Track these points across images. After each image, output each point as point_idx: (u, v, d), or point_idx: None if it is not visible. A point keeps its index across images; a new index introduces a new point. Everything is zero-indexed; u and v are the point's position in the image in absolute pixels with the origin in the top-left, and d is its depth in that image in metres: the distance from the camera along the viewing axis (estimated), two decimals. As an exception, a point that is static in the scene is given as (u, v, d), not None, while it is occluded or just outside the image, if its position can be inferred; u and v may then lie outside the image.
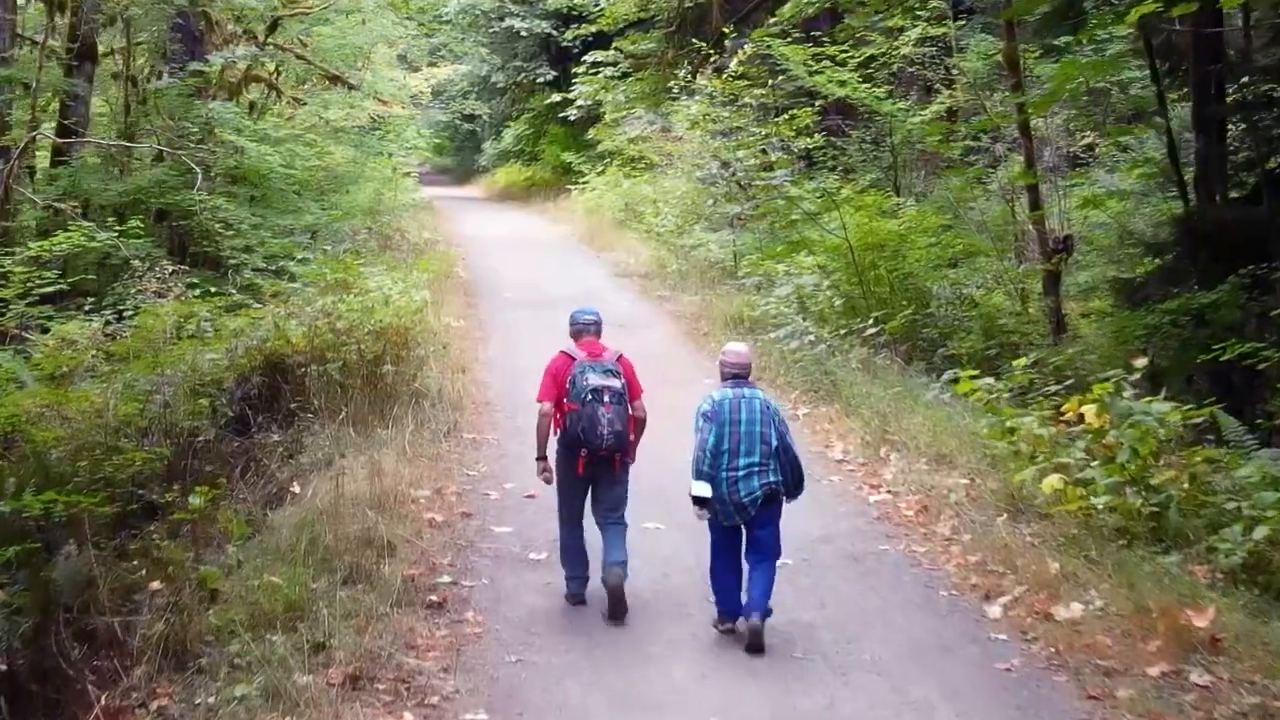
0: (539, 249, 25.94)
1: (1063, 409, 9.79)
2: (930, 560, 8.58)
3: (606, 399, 7.41)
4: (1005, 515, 9.09)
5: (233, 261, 15.93)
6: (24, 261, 12.98)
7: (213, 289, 13.21)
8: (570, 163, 34.05)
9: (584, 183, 31.03)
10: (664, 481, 9.22)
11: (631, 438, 7.75)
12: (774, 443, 7.25)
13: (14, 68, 17.28)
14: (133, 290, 13.87)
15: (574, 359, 7.65)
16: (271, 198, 19.59)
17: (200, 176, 15.63)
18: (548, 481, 7.95)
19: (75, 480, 10.19)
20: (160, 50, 19.14)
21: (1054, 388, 11.20)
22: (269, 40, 21.11)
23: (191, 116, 17.50)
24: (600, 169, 30.70)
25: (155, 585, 7.76)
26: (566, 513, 7.87)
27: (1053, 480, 8.91)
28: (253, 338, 11.94)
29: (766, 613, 7.22)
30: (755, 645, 7.13)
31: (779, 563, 7.68)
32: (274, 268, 15.18)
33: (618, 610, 7.55)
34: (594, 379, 7.45)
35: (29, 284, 12.52)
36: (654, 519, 9.20)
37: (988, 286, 16.11)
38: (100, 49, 20.03)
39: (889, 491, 10.05)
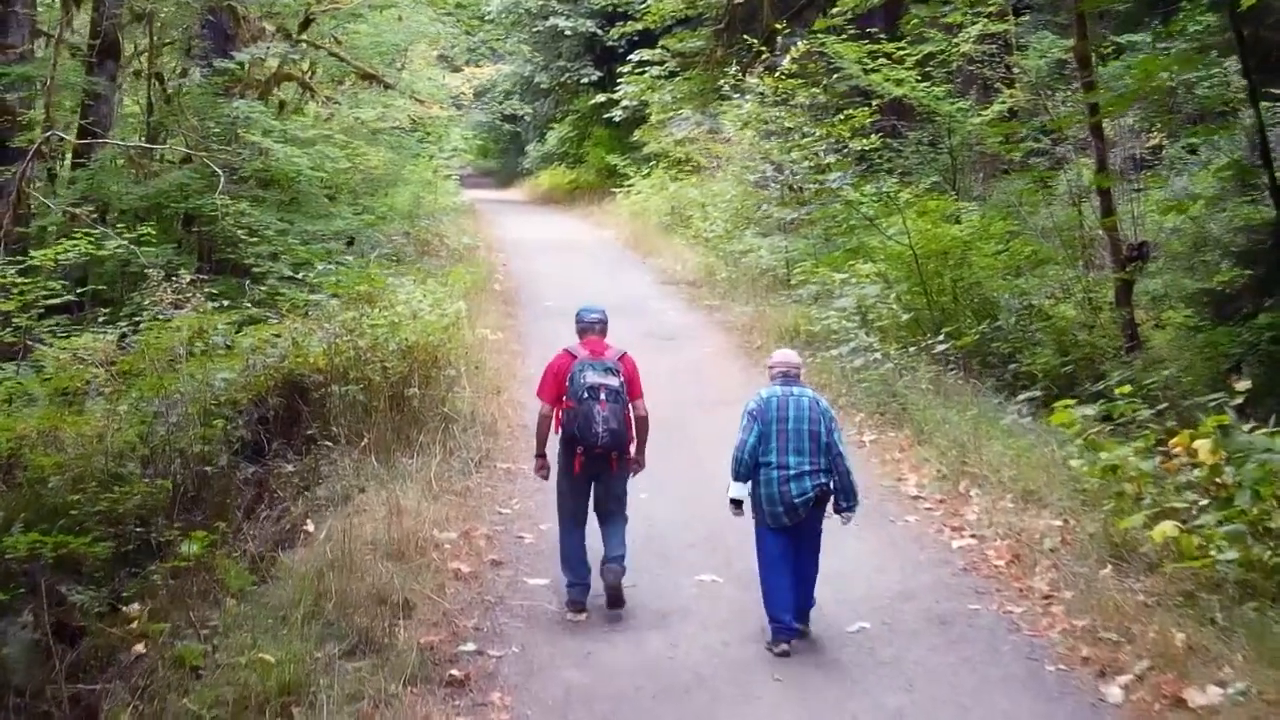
0: (582, 254, 24.90)
1: (1169, 443, 8.65)
2: (1030, 624, 7.41)
3: (603, 396, 7.37)
4: (1109, 566, 7.93)
5: (257, 270, 14.95)
6: (27, 271, 12.03)
7: (225, 301, 12.18)
8: (615, 165, 33.07)
9: (629, 186, 30.12)
10: (720, 527, 8.16)
11: (633, 438, 7.69)
12: (823, 440, 7.08)
13: (32, 65, 16.44)
14: (146, 301, 12.90)
15: (575, 357, 7.64)
16: (303, 202, 18.69)
17: (223, 179, 14.64)
18: (544, 478, 7.97)
19: (72, 513, 9.30)
20: (186, 47, 18.23)
21: (1146, 412, 10.01)
22: (301, 37, 20.18)
23: (216, 116, 16.56)
24: (646, 171, 29.77)
25: (139, 649, 6.78)
26: (566, 514, 7.80)
27: (1165, 528, 7.72)
28: (270, 355, 10.94)
29: (809, 603, 7.24)
30: (801, 636, 7.15)
31: (857, 626, 7.25)
32: (301, 276, 14.16)
33: (615, 602, 7.56)
34: (591, 377, 7.44)
35: (27, 295, 11.53)
36: (710, 569, 8.16)
37: (1056, 296, 14.88)
38: (128, 47, 19.26)
39: (973, 535, 8.90)
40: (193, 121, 16.66)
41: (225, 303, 13.15)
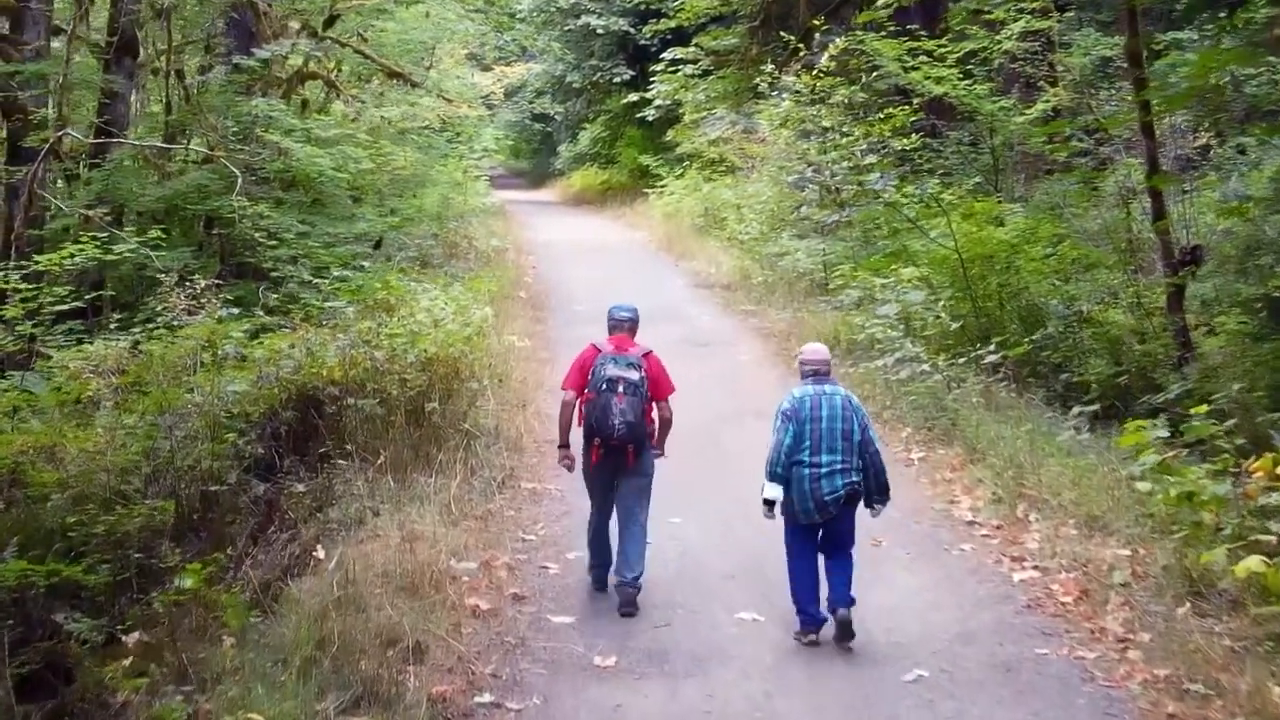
0: (614, 257, 24.26)
1: (1246, 465, 7.96)
2: (1105, 672, 6.69)
3: (621, 389, 7.49)
4: (1187, 605, 7.22)
5: (275, 274, 14.38)
6: (34, 276, 11.49)
7: (240, 309, 11.60)
8: (648, 166, 32.53)
9: (661, 187, 29.60)
10: (761, 556, 7.56)
11: (653, 432, 7.79)
12: (856, 438, 7.11)
13: (47, 63, 15.94)
14: (158, 308, 12.36)
15: (600, 351, 7.78)
16: (327, 204, 18.14)
17: (240, 180, 14.07)
18: (568, 469, 8.10)
19: (70, 535, 8.74)
20: (206, 45, 17.72)
21: (1215, 428, 9.29)
22: (327, 35, 19.61)
23: (236, 115, 16.00)
24: (679, 172, 29.29)
25: (123, 697, 6.19)
26: (593, 502, 7.96)
27: (1250, 563, 7.03)
28: (283, 366, 10.34)
29: (850, 601, 7.06)
30: (846, 634, 7.02)
31: (914, 675, 6.64)
32: (318, 282, 13.54)
33: (629, 611, 7.56)
34: (611, 370, 7.57)
35: (33, 301, 10.98)
36: (751, 606, 7.50)
37: (1106, 302, 14.10)
38: (150, 45, 18.76)
39: (1036, 567, 8.18)
40: (212, 121, 16.10)
41: (240, 310, 12.66)
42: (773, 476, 7.09)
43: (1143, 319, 13.13)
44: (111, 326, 13.04)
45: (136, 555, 8.52)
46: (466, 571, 7.67)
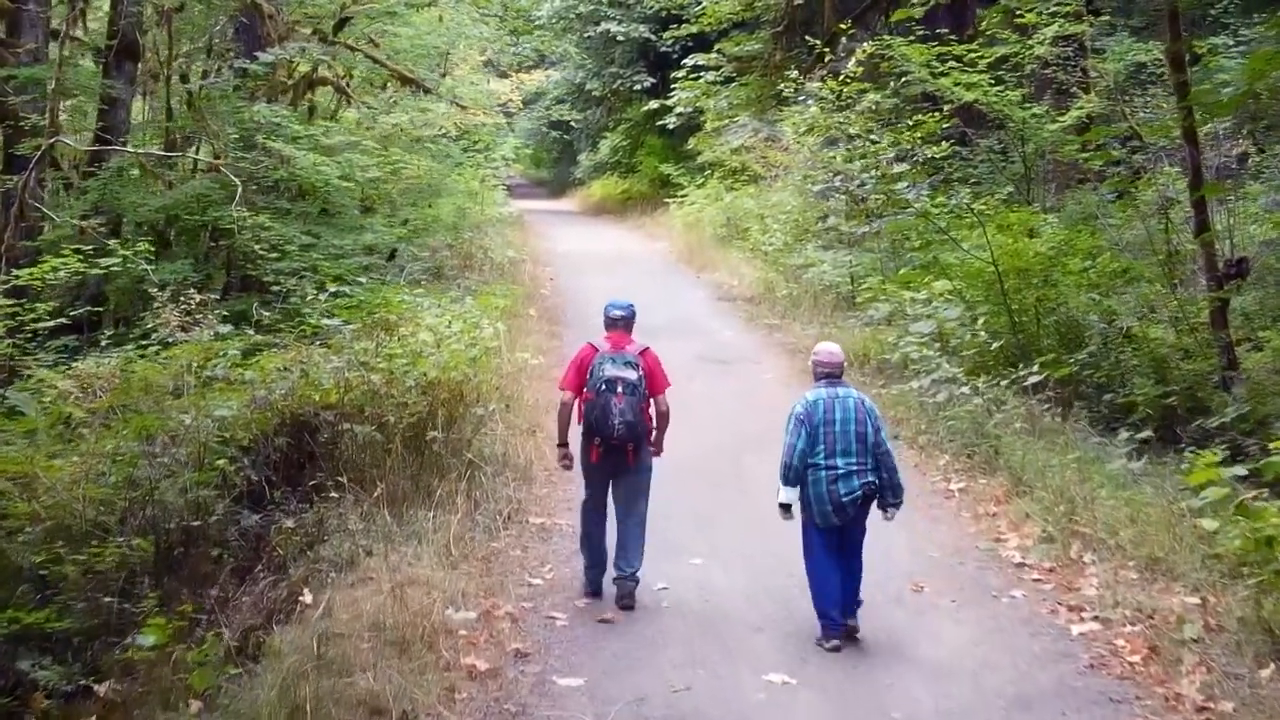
0: (634, 268, 23.51)
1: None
2: (1186, 749, 5.90)
3: (620, 390, 7.50)
4: (1271, 666, 6.42)
5: (277, 288, 13.67)
6: (16, 291, 10.82)
7: (229, 327, 10.85)
8: (668, 175, 31.91)
9: (682, 196, 29.00)
10: (792, 604, 6.82)
11: (652, 429, 7.78)
12: (870, 439, 7.11)
13: (44, 66, 15.30)
14: (148, 325, 11.68)
15: (597, 350, 7.77)
16: (337, 214, 17.47)
17: (240, 189, 13.37)
18: (567, 468, 8.13)
19: (42, 575, 8.04)
20: (208, 48, 17.07)
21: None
22: (336, 39, 18.94)
23: (237, 121, 15.33)
24: (700, 181, 28.71)
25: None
26: (588, 500, 7.91)
27: (1344, 619, 6.25)
28: (276, 389, 9.59)
29: (858, 604, 7.17)
30: (850, 639, 7.05)
31: None
32: (318, 296, 12.78)
33: (627, 604, 7.59)
34: (609, 370, 7.58)
35: (11, 317, 10.30)
36: (781, 666, 6.71)
37: (1146, 318, 13.26)
38: (154, 50, 18.14)
39: (1096, 618, 7.36)
40: (213, 127, 15.42)
41: (237, 326, 11.98)
42: (787, 480, 7.10)
43: (1184, 335, 12.33)
44: (103, 343, 12.38)
45: (109, 599, 7.79)
46: (464, 623, 6.89)
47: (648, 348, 7.85)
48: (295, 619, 7.38)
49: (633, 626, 7.15)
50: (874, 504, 7.19)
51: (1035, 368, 11.41)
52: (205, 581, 8.57)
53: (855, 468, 7.02)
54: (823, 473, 7.01)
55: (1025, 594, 7.83)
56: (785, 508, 7.13)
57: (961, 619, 7.38)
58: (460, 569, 7.78)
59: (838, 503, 6.99)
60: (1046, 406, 11.29)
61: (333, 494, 8.74)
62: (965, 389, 11.27)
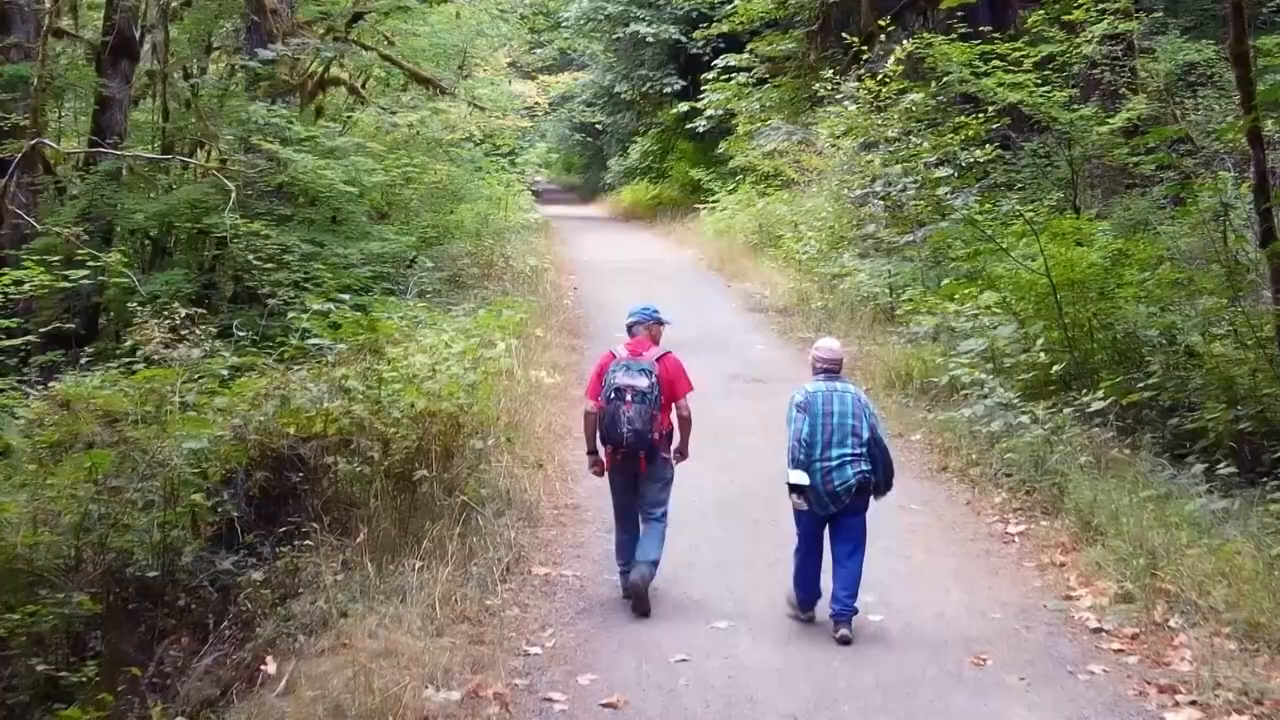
0: (662, 277, 22.43)
1: None
2: None
3: (628, 398, 7.48)
4: None
5: (273, 301, 12.67)
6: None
7: (208, 348, 9.81)
8: (699, 180, 30.95)
9: (713, 202, 28.11)
10: (832, 679, 5.65)
11: (657, 436, 7.58)
12: (865, 435, 7.29)
13: (30, 64, 14.39)
14: (128, 343, 10.69)
15: (615, 357, 7.74)
16: (345, 221, 16.49)
17: (234, 194, 12.37)
18: (598, 475, 7.96)
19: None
20: (207, 46, 16.14)
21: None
22: (349, 36, 17.95)
23: (231, 121, 14.37)
24: (731, 186, 27.82)
25: None
26: (615, 507, 7.92)
27: None
28: (252, 418, 8.53)
29: (853, 612, 7.22)
30: (844, 641, 7.10)
31: None
32: (316, 310, 11.71)
33: (640, 607, 7.51)
34: (621, 378, 7.56)
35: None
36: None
37: (1208, 334, 12.06)
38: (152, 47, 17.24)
39: (1194, 703, 6.20)
40: (211, 129, 14.45)
41: (235, 342, 11.02)
42: (795, 464, 7.22)
43: (1248, 352, 11.15)
44: (83, 361, 11.41)
45: (42, 666, 6.79)
46: (443, 708, 5.82)
47: (668, 353, 7.79)
48: (255, 692, 6.37)
49: (643, 709, 6.06)
50: (869, 493, 7.34)
51: (1100, 393, 10.26)
52: (165, 638, 7.61)
53: (850, 457, 7.18)
54: (818, 464, 7.18)
55: (1106, 669, 6.67)
56: (798, 490, 7.23)
57: (1035, 702, 6.23)
58: (448, 633, 6.71)
59: (832, 491, 7.17)
60: (1110, 435, 10.15)
61: (308, 541, 7.70)
62: (1025, 419, 10.11)
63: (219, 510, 8.33)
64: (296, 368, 9.07)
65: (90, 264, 10.53)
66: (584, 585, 7.82)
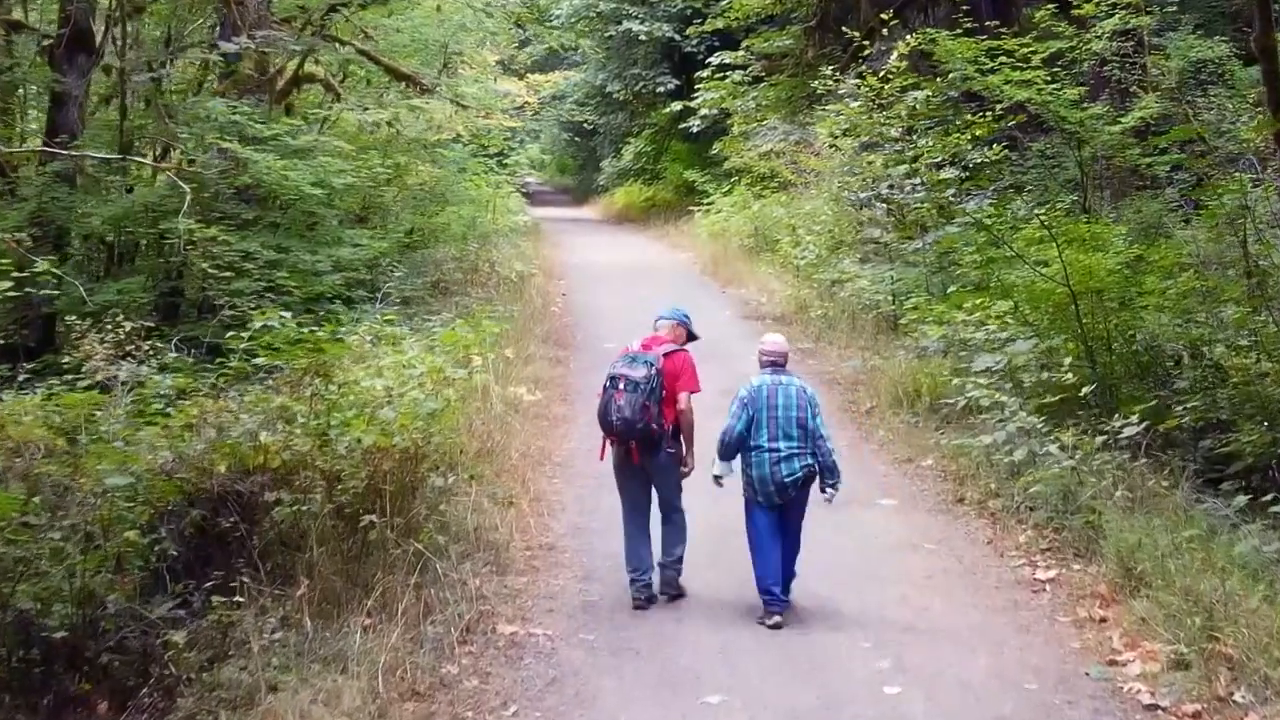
0: (654, 282, 21.39)
1: None
2: None
3: (621, 386, 7.53)
4: None
5: (229, 312, 11.69)
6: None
7: (152, 365, 8.85)
8: (693, 181, 30.11)
9: (708, 204, 27.27)
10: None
11: (655, 427, 7.53)
12: (809, 425, 7.46)
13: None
14: (65, 359, 9.76)
15: (628, 350, 7.82)
16: (318, 226, 15.55)
17: (189, 197, 11.41)
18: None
19: None
20: (167, 38, 15.17)
21: None
22: (323, 27, 16.98)
23: (188, 118, 13.40)
24: (726, 188, 26.89)
25: None
26: (623, 504, 7.93)
27: None
28: (190, 449, 7.55)
29: (791, 575, 7.51)
30: (776, 627, 7.25)
31: None
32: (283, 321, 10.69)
33: (672, 595, 7.71)
34: (619, 367, 7.63)
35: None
36: None
37: (1232, 346, 11.11)
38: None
39: (1272, 803, 5.25)
40: (169, 127, 13.48)
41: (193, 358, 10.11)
42: (723, 456, 7.54)
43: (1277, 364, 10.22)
44: (19, 379, 10.44)
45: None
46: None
47: (680, 350, 7.81)
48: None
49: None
50: (811, 486, 7.50)
51: (1135, 417, 9.26)
52: (76, 707, 6.63)
53: (796, 450, 7.38)
54: (766, 454, 7.37)
55: (1167, 759, 5.70)
56: (717, 479, 7.63)
57: (1085, 803, 5.27)
58: (391, 713, 5.73)
59: (780, 483, 7.35)
60: (1143, 462, 9.17)
61: (238, 598, 6.72)
62: (1053, 448, 9.08)
63: (154, 550, 7.38)
64: (233, 392, 8.07)
65: (14, 275, 9.51)
66: (555, 648, 6.79)
